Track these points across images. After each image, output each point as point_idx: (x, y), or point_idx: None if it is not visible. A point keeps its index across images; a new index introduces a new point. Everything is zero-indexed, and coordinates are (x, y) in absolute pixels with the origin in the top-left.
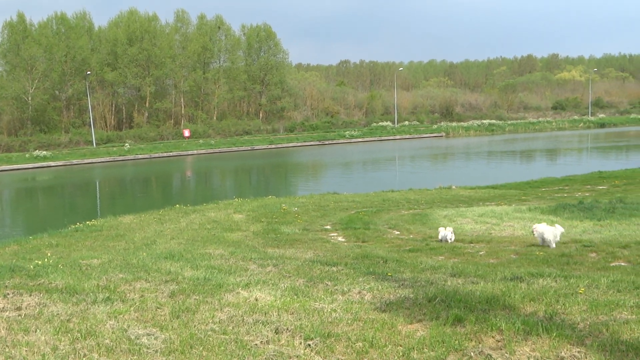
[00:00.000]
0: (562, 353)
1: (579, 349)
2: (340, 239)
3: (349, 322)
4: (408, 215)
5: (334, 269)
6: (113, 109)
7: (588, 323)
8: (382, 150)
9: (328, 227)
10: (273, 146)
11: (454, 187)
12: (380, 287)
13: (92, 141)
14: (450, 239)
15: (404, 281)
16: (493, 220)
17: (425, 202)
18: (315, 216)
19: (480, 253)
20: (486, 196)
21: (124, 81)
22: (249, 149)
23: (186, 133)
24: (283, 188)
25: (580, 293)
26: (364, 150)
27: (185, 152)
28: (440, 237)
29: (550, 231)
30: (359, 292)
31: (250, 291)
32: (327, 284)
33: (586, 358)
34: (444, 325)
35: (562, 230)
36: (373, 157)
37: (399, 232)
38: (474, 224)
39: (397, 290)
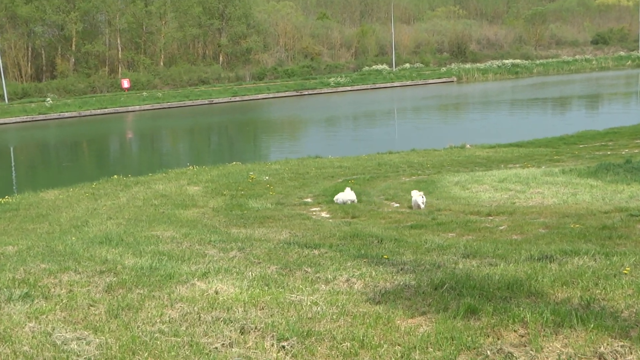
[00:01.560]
0: (602, 348)
1: (622, 343)
2: (323, 214)
3: (334, 317)
4: (410, 182)
5: (316, 252)
6: (29, 54)
7: (634, 311)
8: (377, 101)
9: (308, 200)
10: (237, 99)
11: (468, 146)
12: (373, 273)
13: (4, 96)
14: (423, 204)
15: (404, 265)
16: (517, 187)
17: (432, 165)
18: (292, 187)
19: (501, 228)
20: (509, 157)
21: (42, 17)
22: (207, 102)
23: (125, 84)
24: (251, 152)
25: (625, 274)
26: (353, 101)
27: (124, 108)
28: (412, 203)
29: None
30: (347, 280)
31: (209, 282)
32: (307, 271)
33: (631, 354)
34: (454, 318)
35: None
36: (365, 111)
37: (398, 205)
38: (493, 192)
39: (395, 277)
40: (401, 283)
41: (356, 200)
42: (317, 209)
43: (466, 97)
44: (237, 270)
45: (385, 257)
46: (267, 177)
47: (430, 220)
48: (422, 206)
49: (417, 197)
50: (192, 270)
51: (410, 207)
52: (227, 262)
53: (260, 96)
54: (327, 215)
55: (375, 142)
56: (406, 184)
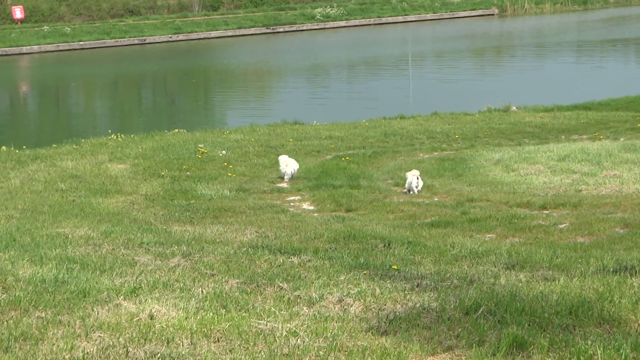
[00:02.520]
0: None
1: None
2: (305, 205)
3: (322, 353)
4: (430, 160)
5: (295, 260)
6: None
7: None
8: (383, 42)
9: (284, 184)
10: (181, 37)
11: (514, 108)
12: (378, 290)
13: None
14: (417, 188)
15: (421, 279)
16: (584, 168)
17: (462, 136)
18: (261, 166)
19: (561, 226)
20: (572, 124)
21: None
22: (137, 42)
23: (17, 13)
24: (200, 115)
25: None
26: (349, 42)
27: (16, 49)
28: (406, 187)
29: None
30: (340, 301)
31: (140, 302)
32: (282, 288)
33: None
34: (493, 355)
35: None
36: (366, 57)
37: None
38: (550, 175)
39: (408, 296)
40: (417, 305)
41: (295, 171)
42: (296, 197)
43: (512, 38)
44: (182, 285)
45: (395, 267)
46: (224, 152)
47: (460, 215)
48: (416, 191)
49: (412, 178)
50: (116, 284)
51: (410, 191)
52: (166, 274)
53: (214, 34)
54: (311, 207)
55: (380, 103)
56: (425, 163)
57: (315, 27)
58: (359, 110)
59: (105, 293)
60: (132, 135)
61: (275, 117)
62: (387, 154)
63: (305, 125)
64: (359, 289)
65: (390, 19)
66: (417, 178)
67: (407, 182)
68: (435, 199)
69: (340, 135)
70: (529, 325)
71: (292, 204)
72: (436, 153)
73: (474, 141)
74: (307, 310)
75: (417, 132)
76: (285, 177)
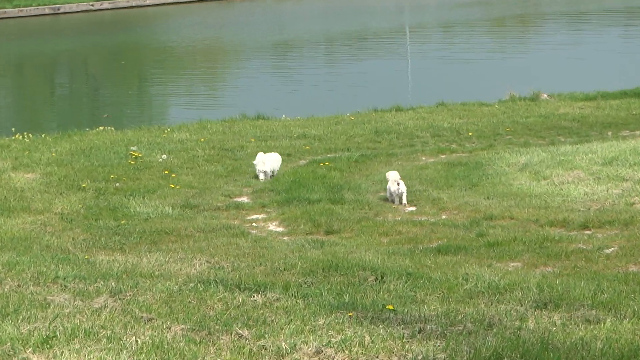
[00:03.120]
0: None
1: None
2: (273, 226)
3: None
4: (436, 166)
5: (258, 298)
6: None
7: None
8: (372, 10)
9: (244, 199)
10: (107, 5)
11: (545, 96)
12: (368, 338)
13: None
14: (397, 195)
15: (424, 323)
16: (638, 174)
17: (478, 133)
18: (214, 174)
19: (608, 251)
20: (621, 116)
21: None
22: (49, 12)
23: None
24: (133, 108)
25: None
26: (327, 12)
27: None
28: (388, 194)
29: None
30: (318, 353)
31: (55, 356)
32: (242, 336)
33: None
34: None
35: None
36: (350, 30)
37: (413, 208)
38: (593, 184)
39: (407, 346)
40: (419, 357)
41: (275, 170)
42: (260, 216)
43: (540, 4)
44: (109, 333)
45: (390, 307)
46: (164, 157)
47: (475, 237)
48: (399, 201)
49: (391, 185)
50: (22, 333)
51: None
52: (89, 319)
53: (149, 1)
54: (280, 229)
55: (370, 91)
56: (429, 169)
57: None
58: (341, 101)
59: (9, 344)
60: (42, 135)
61: (232, 110)
62: (379, 158)
63: (272, 121)
64: (343, 337)
65: None
66: (398, 184)
67: (389, 188)
68: (443, 217)
69: (317, 134)
70: None
71: (254, 224)
72: (443, 156)
73: (493, 140)
74: None
75: (419, 129)
76: (260, 175)
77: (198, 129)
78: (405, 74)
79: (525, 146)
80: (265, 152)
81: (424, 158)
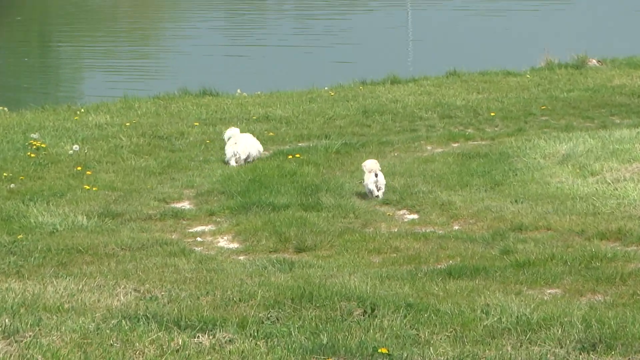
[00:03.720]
0: None
1: None
2: (224, 242)
3: None
4: (446, 158)
5: (205, 339)
6: None
7: None
8: None
9: (185, 205)
10: None
11: (593, 62)
12: None
13: None
14: (377, 187)
15: None
16: None
17: (502, 113)
18: (144, 171)
19: None
20: None
21: None
22: None
23: None
24: (33, 82)
25: None
26: None
27: None
28: (366, 190)
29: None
30: None
31: None
32: None
33: None
34: None
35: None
36: None
37: (415, 216)
38: None
39: None
40: None
41: (251, 156)
42: (207, 227)
43: None
44: None
45: (384, 351)
46: (76, 147)
47: (499, 255)
48: (379, 193)
49: (369, 177)
50: None
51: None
52: None
53: None
54: (234, 245)
55: (356, 56)
56: (436, 162)
57: None
58: (317, 71)
59: None
60: None
61: (168, 84)
62: (368, 148)
63: (222, 98)
64: None
65: None
66: (376, 175)
67: (366, 182)
68: (455, 227)
69: (284, 115)
70: None
71: (199, 239)
72: (456, 144)
73: (523, 122)
74: None
75: (423, 108)
76: (232, 161)
77: (122, 109)
78: (404, 33)
79: (566, 130)
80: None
81: (429, 147)
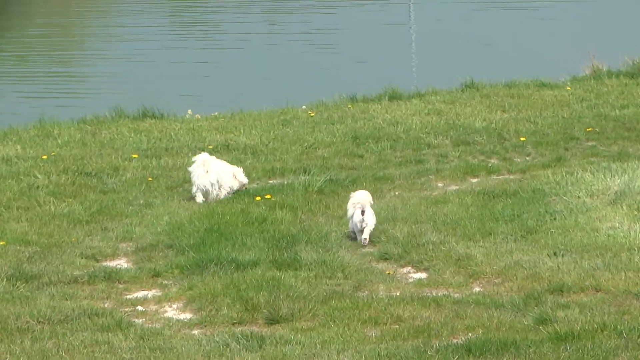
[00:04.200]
0: None
1: None
2: (172, 311)
3: None
4: (463, 198)
5: None
6: None
7: None
8: None
9: (122, 262)
10: None
11: None
12: None
13: None
14: (364, 224)
15: None
16: None
17: (535, 137)
18: (67, 218)
19: None
20: None
21: None
22: None
23: None
24: None
25: None
26: None
27: None
28: (350, 227)
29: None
30: None
31: None
32: None
33: None
34: None
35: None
36: None
37: (424, 275)
38: None
39: None
40: None
41: (230, 186)
42: (150, 293)
43: None
44: None
45: None
46: None
47: (533, 325)
48: (365, 231)
49: (356, 212)
50: None
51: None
52: None
53: None
54: (187, 315)
55: (343, 65)
56: (451, 204)
57: None
58: (293, 85)
59: None
60: None
61: (98, 103)
62: (360, 185)
63: (168, 121)
64: None
65: None
66: (362, 212)
67: (350, 217)
68: (476, 289)
69: (250, 143)
70: None
71: (140, 307)
72: (475, 180)
73: (563, 149)
74: None
75: (431, 132)
76: (198, 196)
77: (37, 137)
78: (405, 33)
79: (620, 159)
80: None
81: (440, 184)
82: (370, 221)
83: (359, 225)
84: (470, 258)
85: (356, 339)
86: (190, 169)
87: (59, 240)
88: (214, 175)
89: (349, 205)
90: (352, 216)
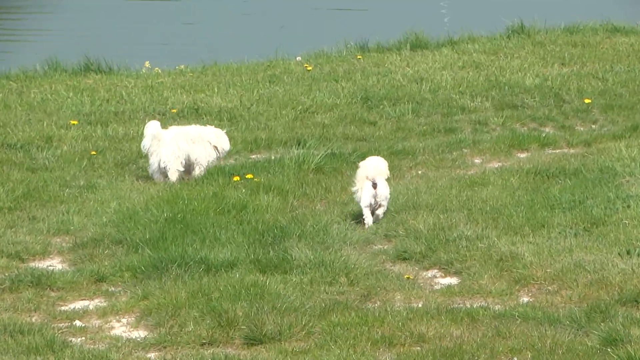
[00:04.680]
0: None
1: None
2: (122, 327)
3: None
4: (508, 178)
5: None
6: None
7: None
8: None
9: (54, 263)
10: None
11: None
12: None
13: None
14: (378, 210)
15: None
16: None
17: (602, 99)
18: None
19: None
20: None
21: None
22: None
23: None
24: None
25: None
26: None
27: None
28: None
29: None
30: None
31: None
32: None
33: None
34: None
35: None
36: None
37: (454, 280)
38: None
39: None
40: None
41: (203, 161)
42: (92, 303)
43: None
44: None
45: None
46: None
47: (599, 346)
48: (377, 215)
49: (367, 188)
50: None
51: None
52: None
53: None
54: (140, 333)
55: (350, 4)
56: (491, 187)
57: None
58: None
59: None
60: None
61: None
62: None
63: (119, 76)
64: None
65: None
66: (374, 185)
67: (362, 195)
68: (524, 299)
69: (227, 106)
70: None
71: (79, 322)
72: (523, 154)
73: None
74: None
75: (467, 91)
76: (154, 173)
77: None
78: None
79: None
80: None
81: (477, 160)
82: (384, 197)
83: (368, 201)
84: (516, 258)
85: None
86: (143, 144)
87: None
88: (184, 150)
89: (357, 177)
90: (359, 191)
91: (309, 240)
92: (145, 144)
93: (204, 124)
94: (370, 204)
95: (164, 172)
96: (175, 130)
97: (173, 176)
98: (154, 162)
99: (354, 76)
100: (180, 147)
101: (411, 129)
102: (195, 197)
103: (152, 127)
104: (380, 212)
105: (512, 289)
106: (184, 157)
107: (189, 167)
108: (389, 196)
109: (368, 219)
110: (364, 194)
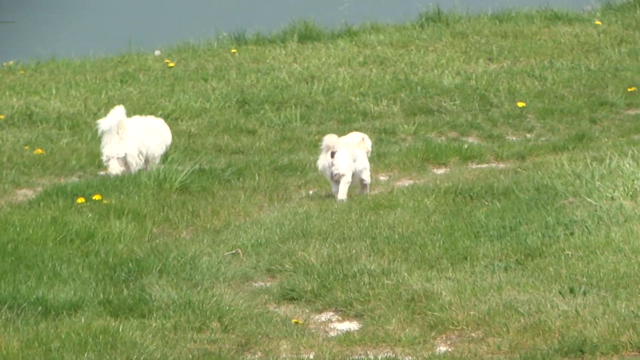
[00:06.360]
0: None
1: None
2: None
3: None
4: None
5: None
6: None
7: None
8: None
9: None
10: None
11: None
12: None
13: None
14: (336, 173)
15: None
16: None
17: (539, 102)
18: None
19: None
20: None
21: None
22: None
23: None
24: None
25: None
26: None
27: None
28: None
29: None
30: None
31: None
32: None
33: None
34: None
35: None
36: None
37: (355, 326)
38: None
39: None
40: None
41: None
42: None
43: None
44: None
45: None
46: None
47: None
48: (340, 185)
49: (322, 156)
50: None
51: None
52: None
53: None
54: None
55: None
56: (400, 209)
57: None
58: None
59: None
60: None
61: None
62: (251, 179)
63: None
64: None
65: None
66: (333, 153)
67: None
68: (441, 348)
69: (67, 111)
70: None
71: None
72: (441, 170)
73: (588, 121)
74: None
75: (369, 92)
76: (112, 165)
77: None
78: None
79: None
80: None
81: (383, 178)
82: (343, 167)
83: (328, 172)
84: (431, 298)
85: None
86: (103, 122)
87: None
88: (136, 142)
89: (328, 141)
90: (321, 161)
91: (173, 276)
92: (105, 125)
93: (40, 135)
94: (330, 175)
95: (124, 163)
96: (138, 121)
97: (114, 170)
98: (116, 151)
99: (227, 74)
100: (144, 141)
101: (299, 138)
102: (30, 224)
103: (119, 113)
104: (342, 187)
105: (427, 336)
106: (145, 152)
107: (146, 162)
108: (367, 167)
109: (334, 191)
110: (319, 161)
